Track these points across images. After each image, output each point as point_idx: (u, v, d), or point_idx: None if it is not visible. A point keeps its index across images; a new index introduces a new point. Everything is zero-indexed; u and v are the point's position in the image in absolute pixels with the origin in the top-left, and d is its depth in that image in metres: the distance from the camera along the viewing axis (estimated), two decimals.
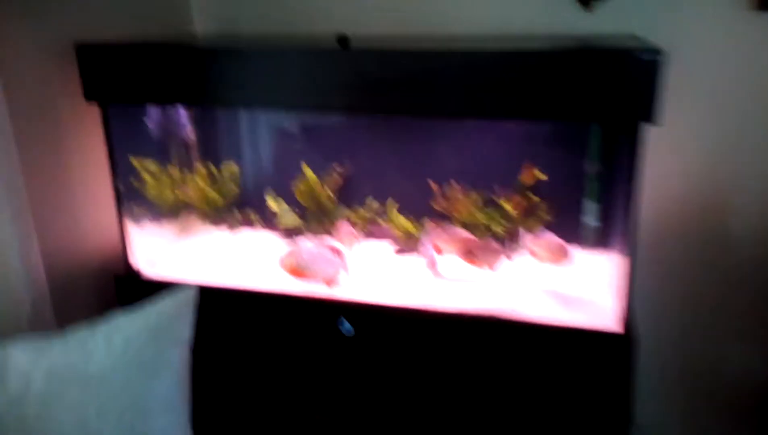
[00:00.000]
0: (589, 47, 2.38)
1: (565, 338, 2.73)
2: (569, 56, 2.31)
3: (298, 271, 3.28)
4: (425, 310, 3.01)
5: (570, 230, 4.16)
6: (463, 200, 4.74)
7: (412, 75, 2.44)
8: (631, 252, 2.66)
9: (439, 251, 4.12)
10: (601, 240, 4.31)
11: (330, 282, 3.30)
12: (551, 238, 3.96)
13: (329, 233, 4.25)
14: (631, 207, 2.56)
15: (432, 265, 3.46)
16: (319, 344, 3.12)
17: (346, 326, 2.91)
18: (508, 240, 4.64)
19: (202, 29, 4.16)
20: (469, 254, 3.83)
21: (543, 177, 4.35)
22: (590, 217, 4.42)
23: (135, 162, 4.74)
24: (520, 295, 3.37)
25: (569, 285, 3.57)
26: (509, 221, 4.61)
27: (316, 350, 3.14)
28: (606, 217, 4.22)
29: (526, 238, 4.11)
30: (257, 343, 3.17)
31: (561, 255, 3.84)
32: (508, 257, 3.65)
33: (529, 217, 4.52)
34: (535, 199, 4.41)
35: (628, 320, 2.66)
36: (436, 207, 4.64)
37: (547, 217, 4.40)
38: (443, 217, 4.73)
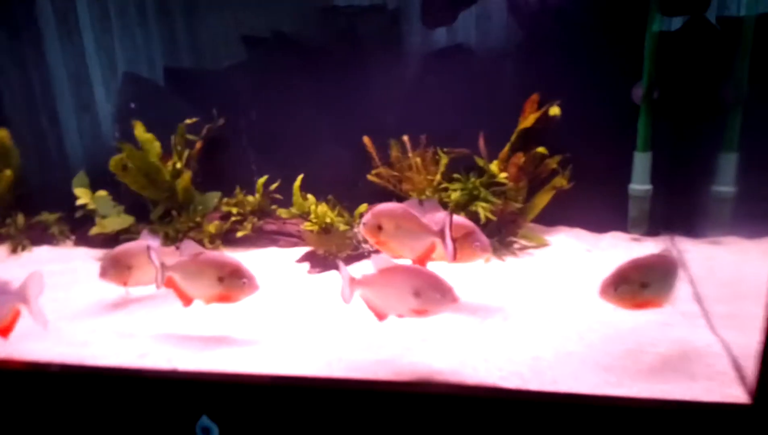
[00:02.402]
0: None
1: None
2: None
3: None
4: (373, 385, 2.19)
5: (609, 207, 2.98)
6: (418, 165, 3.38)
7: None
8: None
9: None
10: (682, 226, 3.22)
11: (6, 331, 2.44)
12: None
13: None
14: None
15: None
16: None
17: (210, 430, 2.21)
18: (503, 229, 3.43)
19: None
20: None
21: (558, 113, 3.12)
22: (643, 184, 3.17)
23: None
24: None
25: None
26: (500, 197, 3.22)
27: None
28: (691, 184, 3.15)
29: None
30: None
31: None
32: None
33: (537, 189, 3.33)
34: (546, 154, 3.23)
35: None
36: (375, 179, 3.48)
37: (568, 186, 3.26)
38: (385, 197, 3.44)
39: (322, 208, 3.32)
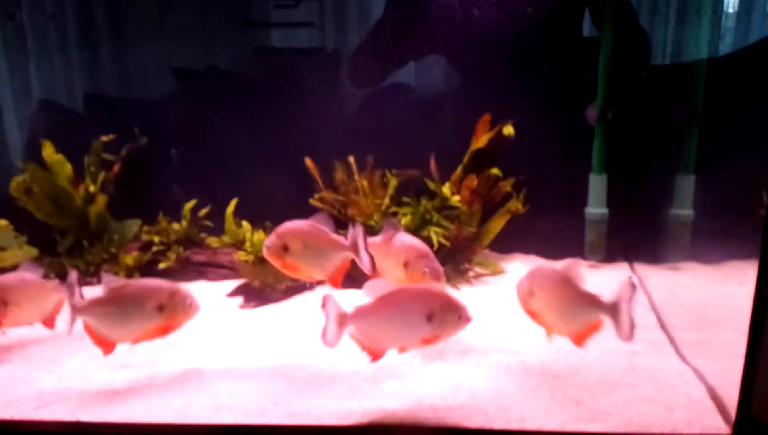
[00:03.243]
0: None
1: None
2: None
3: None
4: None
5: (566, 232, 2.91)
6: (365, 188, 3.21)
7: None
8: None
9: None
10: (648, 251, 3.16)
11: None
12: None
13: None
14: None
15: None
16: None
17: None
18: (458, 255, 3.26)
19: None
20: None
21: (511, 132, 3.04)
22: (599, 208, 3.15)
23: None
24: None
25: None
26: (453, 222, 3.09)
27: None
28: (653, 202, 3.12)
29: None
30: None
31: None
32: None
33: (491, 213, 3.22)
34: (500, 176, 3.16)
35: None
36: (318, 204, 3.28)
37: (523, 210, 3.16)
38: (335, 225, 3.26)
39: (259, 235, 3.09)
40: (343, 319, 1.92)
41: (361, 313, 1.93)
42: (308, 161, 3.27)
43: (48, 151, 3.05)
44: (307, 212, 3.27)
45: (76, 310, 2.13)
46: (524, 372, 2.25)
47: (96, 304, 2.12)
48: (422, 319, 1.88)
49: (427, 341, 1.92)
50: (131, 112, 3.54)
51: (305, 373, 2.28)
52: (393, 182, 3.17)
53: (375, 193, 3.22)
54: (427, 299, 1.91)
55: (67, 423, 2.04)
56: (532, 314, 2.14)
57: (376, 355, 1.95)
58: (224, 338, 2.64)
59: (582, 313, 2.01)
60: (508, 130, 3.06)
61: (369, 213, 3.18)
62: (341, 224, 3.27)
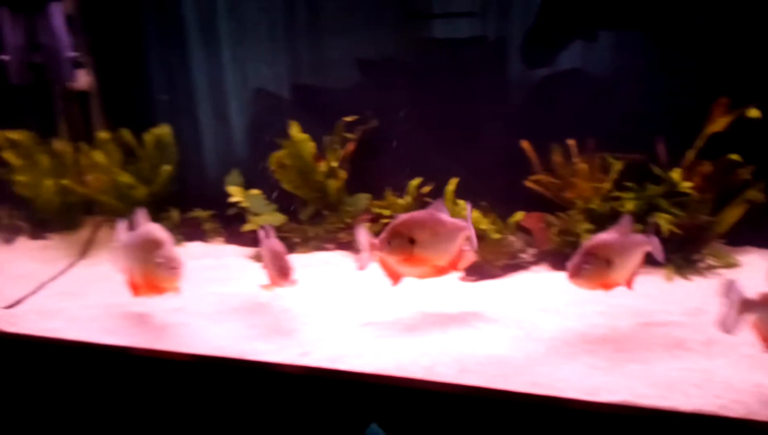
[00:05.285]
0: None
1: None
2: None
3: None
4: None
5: None
6: (585, 171, 3.16)
7: None
8: None
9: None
10: None
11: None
12: None
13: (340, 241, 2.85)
14: None
15: None
16: None
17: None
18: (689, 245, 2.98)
19: None
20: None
21: (757, 115, 2.79)
22: None
23: None
24: None
25: None
26: (684, 209, 2.91)
27: None
28: None
29: None
30: None
31: None
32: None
33: (726, 202, 2.96)
34: (740, 162, 2.88)
35: None
36: (534, 186, 3.32)
37: (763, 199, 2.89)
38: (543, 205, 3.30)
39: (475, 213, 3.20)
40: (746, 306, 1.85)
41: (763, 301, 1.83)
42: (525, 144, 3.30)
43: (294, 131, 3.41)
44: (520, 194, 3.34)
45: (372, 248, 2.42)
46: None
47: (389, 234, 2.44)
48: None
49: None
50: (331, 99, 3.75)
51: (541, 347, 2.36)
52: (617, 166, 3.08)
53: (594, 177, 3.16)
54: None
55: (325, 369, 2.29)
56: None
57: None
58: (453, 307, 2.79)
59: None
60: (754, 113, 2.81)
61: (588, 196, 3.14)
62: (557, 207, 3.28)
